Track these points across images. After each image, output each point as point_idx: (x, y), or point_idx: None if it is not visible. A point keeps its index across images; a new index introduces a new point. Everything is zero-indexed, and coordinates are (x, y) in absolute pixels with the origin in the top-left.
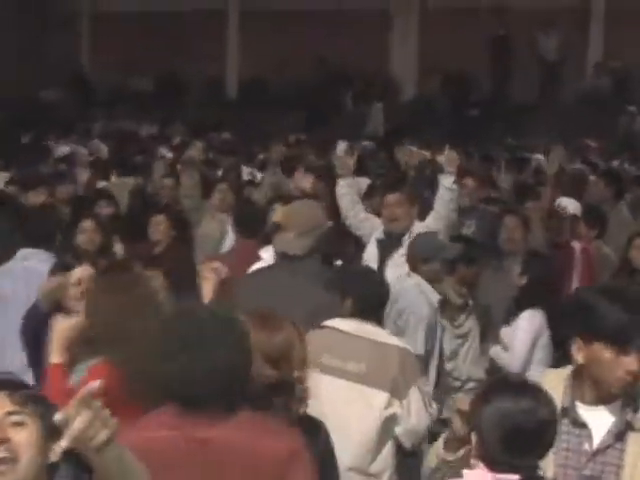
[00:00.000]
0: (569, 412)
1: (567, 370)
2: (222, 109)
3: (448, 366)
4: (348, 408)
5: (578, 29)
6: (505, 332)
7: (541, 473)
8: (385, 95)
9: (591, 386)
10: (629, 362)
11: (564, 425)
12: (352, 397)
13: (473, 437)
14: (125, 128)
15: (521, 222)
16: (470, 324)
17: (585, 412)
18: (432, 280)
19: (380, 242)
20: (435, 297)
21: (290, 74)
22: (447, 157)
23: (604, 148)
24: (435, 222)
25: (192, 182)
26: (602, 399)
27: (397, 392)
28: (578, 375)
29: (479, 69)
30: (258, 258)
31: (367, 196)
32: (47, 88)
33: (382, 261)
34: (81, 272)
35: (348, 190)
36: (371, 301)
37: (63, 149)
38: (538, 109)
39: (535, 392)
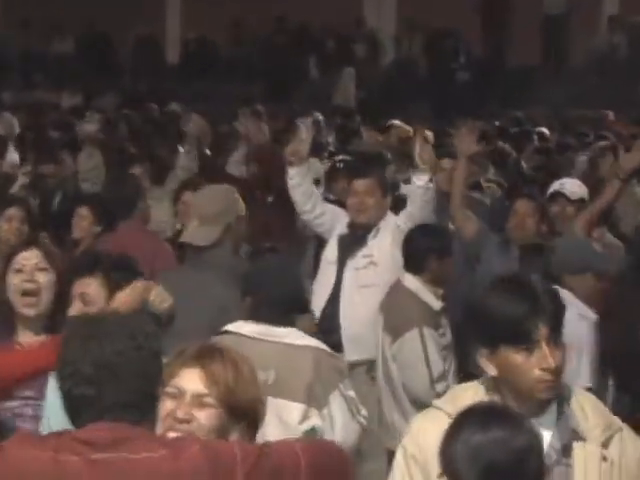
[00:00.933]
0: None
1: (477, 386)
2: (161, 77)
3: (439, 388)
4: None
5: None
6: None
7: None
8: (357, 59)
9: (515, 399)
10: (540, 358)
11: None
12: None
13: None
14: (42, 99)
15: (536, 208)
16: (449, 332)
17: None
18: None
19: (342, 239)
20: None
21: (244, 35)
22: (420, 146)
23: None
24: (407, 225)
25: (92, 163)
26: (531, 411)
27: (314, 401)
28: (496, 389)
29: (470, 27)
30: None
31: (329, 181)
32: None
33: (341, 262)
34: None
35: (300, 181)
36: (276, 303)
37: None
38: (541, 73)
39: (506, 418)
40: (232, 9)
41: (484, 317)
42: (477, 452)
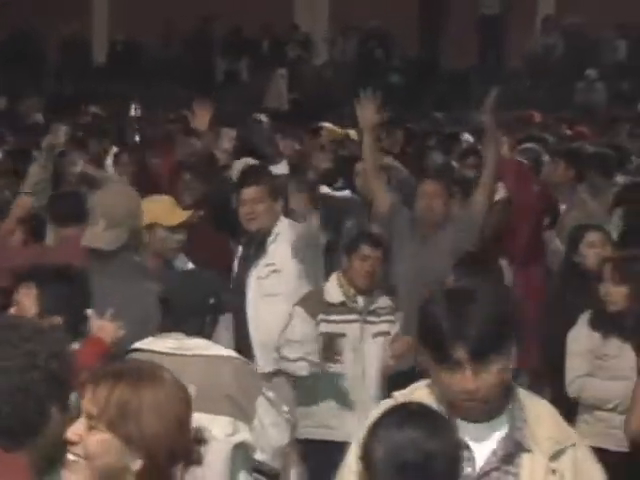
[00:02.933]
0: None
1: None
2: (88, 78)
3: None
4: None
5: None
6: None
7: None
8: (290, 61)
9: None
10: (460, 379)
11: None
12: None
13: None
14: None
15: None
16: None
17: (467, 431)
18: None
19: (244, 247)
20: None
21: (173, 37)
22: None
23: (557, 120)
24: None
25: (45, 176)
26: (478, 418)
27: (241, 413)
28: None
29: (404, 28)
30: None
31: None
32: None
33: (245, 271)
34: None
35: None
36: (182, 309)
37: None
38: (475, 76)
39: (424, 420)
40: (161, 9)
41: (419, 328)
42: (392, 451)
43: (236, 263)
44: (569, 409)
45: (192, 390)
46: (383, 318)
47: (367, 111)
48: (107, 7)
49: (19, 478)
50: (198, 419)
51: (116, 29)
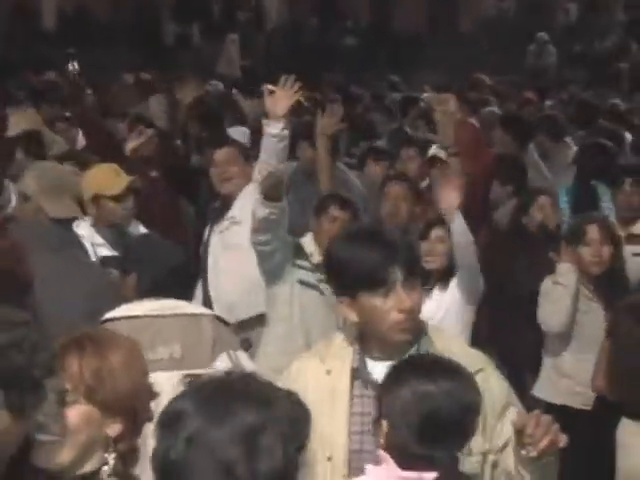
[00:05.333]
0: (361, 373)
1: (344, 334)
2: (38, 44)
3: None
4: None
5: None
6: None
7: (461, 468)
8: (240, 25)
9: (378, 343)
10: (397, 301)
11: (357, 388)
12: (174, 389)
13: (383, 426)
14: None
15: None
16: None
17: (379, 371)
18: None
19: (211, 211)
20: None
21: (122, 2)
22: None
23: (507, 85)
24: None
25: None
26: (391, 354)
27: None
28: (358, 336)
29: None
30: None
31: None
32: None
33: (211, 227)
34: None
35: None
36: (161, 274)
37: None
38: (427, 39)
39: (458, 373)
40: None
41: (342, 265)
42: (424, 400)
43: (207, 229)
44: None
45: (177, 348)
46: None
47: (329, 120)
48: None
49: None
50: (186, 376)
51: None
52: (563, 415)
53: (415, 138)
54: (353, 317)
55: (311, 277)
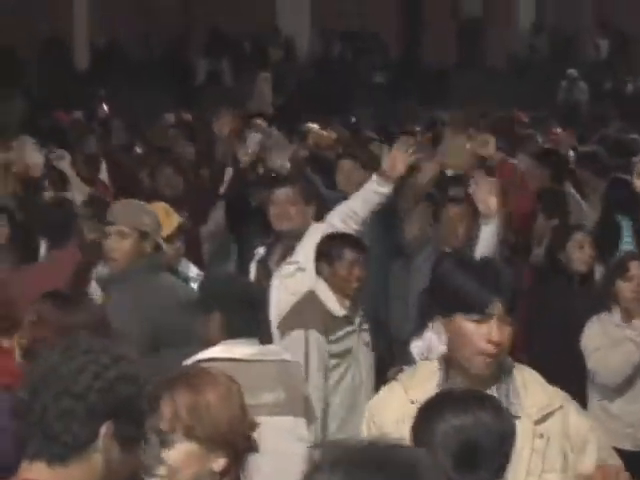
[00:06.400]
0: None
1: (434, 361)
2: (70, 82)
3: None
4: (281, 449)
5: None
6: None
7: None
8: (272, 63)
9: (461, 374)
10: (488, 330)
11: None
12: (278, 435)
13: None
14: None
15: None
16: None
17: None
18: None
19: (268, 247)
20: None
21: (156, 39)
22: (396, 155)
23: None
24: (345, 223)
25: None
26: (473, 384)
27: (309, 414)
28: (447, 362)
29: (384, 27)
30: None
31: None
32: None
33: (265, 272)
34: None
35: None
36: (242, 314)
37: None
38: (457, 75)
39: (487, 403)
40: (144, 11)
41: (447, 287)
42: (460, 431)
43: (253, 265)
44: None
45: (281, 394)
46: (364, 326)
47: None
48: (86, 8)
49: None
50: (287, 422)
51: (96, 31)
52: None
53: None
54: (446, 333)
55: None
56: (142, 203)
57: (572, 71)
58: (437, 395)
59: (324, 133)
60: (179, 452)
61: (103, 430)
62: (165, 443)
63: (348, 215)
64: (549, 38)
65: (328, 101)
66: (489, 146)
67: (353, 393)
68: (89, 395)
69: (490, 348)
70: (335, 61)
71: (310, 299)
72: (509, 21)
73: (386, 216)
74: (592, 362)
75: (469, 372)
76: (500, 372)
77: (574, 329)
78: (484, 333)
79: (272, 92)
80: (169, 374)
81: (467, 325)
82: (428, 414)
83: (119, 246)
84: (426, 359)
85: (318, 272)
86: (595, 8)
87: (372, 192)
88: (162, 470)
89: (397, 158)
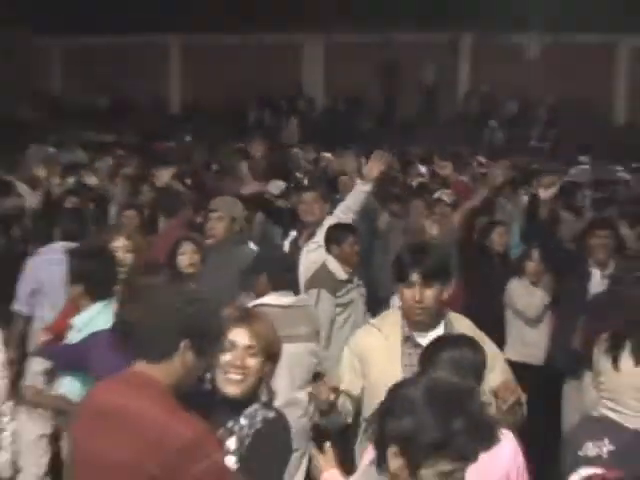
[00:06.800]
0: (410, 339)
1: (397, 311)
2: (167, 122)
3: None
4: (306, 362)
5: (450, 62)
6: None
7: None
8: (299, 112)
9: (407, 319)
10: (411, 293)
11: (407, 348)
12: (309, 354)
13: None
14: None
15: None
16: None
17: (420, 338)
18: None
19: (298, 232)
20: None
21: (225, 96)
22: (370, 166)
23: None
24: (344, 214)
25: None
26: (422, 329)
27: (318, 340)
28: (402, 315)
29: (371, 91)
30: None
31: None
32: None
33: (296, 249)
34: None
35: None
36: (281, 275)
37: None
38: (420, 124)
39: (473, 344)
40: (216, 77)
41: (394, 262)
42: (452, 359)
43: (287, 243)
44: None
45: (310, 328)
46: (360, 284)
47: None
48: (179, 76)
49: (156, 388)
50: (312, 347)
51: (186, 91)
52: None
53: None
54: (398, 300)
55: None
56: (233, 198)
57: (492, 122)
58: (439, 337)
59: (332, 158)
60: (257, 362)
61: (182, 344)
62: (247, 354)
63: (347, 209)
64: (480, 99)
65: (335, 138)
66: (447, 169)
67: (354, 328)
68: (175, 319)
69: (415, 306)
70: (339, 112)
71: (323, 268)
72: (452, 88)
73: (368, 211)
74: (519, 304)
75: (410, 324)
76: (438, 320)
77: (496, 290)
78: (411, 296)
79: (298, 130)
80: (238, 311)
81: (403, 290)
82: (433, 348)
83: (217, 226)
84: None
85: (328, 250)
86: (508, 77)
87: (359, 191)
88: (239, 375)
89: (373, 165)
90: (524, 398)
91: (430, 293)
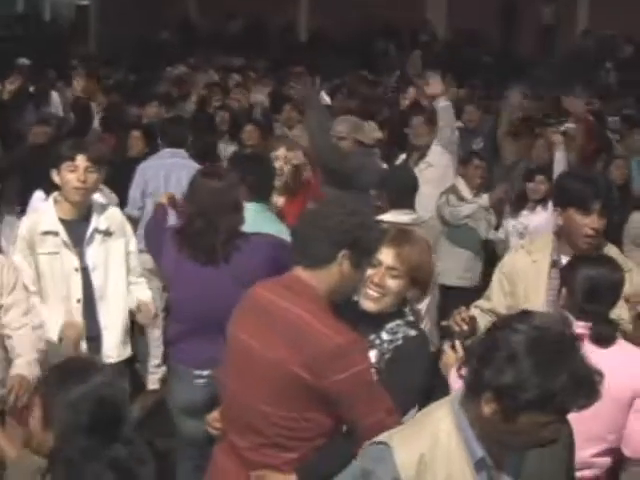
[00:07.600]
0: (557, 263)
1: (549, 235)
2: (294, 50)
3: None
4: None
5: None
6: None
7: (612, 317)
8: (422, 44)
9: (568, 244)
10: (591, 221)
11: (554, 272)
12: None
13: (563, 293)
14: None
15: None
16: None
17: None
18: None
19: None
20: None
21: (349, 27)
22: (432, 85)
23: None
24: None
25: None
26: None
27: None
28: (559, 236)
29: (491, 28)
30: None
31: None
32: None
33: None
34: None
35: None
36: (403, 192)
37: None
38: (535, 63)
39: (612, 263)
40: (342, 8)
41: (563, 190)
42: (589, 278)
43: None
44: None
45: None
46: None
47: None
48: (308, 2)
49: (311, 293)
50: None
51: (312, 20)
52: None
53: None
54: (559, 222)
55: None
56: (357, 119)
57: (608, 64)
58: (579, 256)
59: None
60: (398, 284)
61: (341, 254)
62: (390, 274)
63: (444, 129)
64: (597, 42)
65: (455, 70)
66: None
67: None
68: (337, 229)
69: (592, 233)
70: (460, 47)
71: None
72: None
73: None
74: None
75: (575, 249)
76: (600, 249)
77: (615, 223)
78: (588, 222)
79: (420, 61)
80: (395, 230)
81: (576, 215)
82: (572, 266)
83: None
84: (521, 234)
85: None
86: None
87: (440, 109)
88: (376, 293)
89: (434, 83)
90: None
91: (603, 223)
